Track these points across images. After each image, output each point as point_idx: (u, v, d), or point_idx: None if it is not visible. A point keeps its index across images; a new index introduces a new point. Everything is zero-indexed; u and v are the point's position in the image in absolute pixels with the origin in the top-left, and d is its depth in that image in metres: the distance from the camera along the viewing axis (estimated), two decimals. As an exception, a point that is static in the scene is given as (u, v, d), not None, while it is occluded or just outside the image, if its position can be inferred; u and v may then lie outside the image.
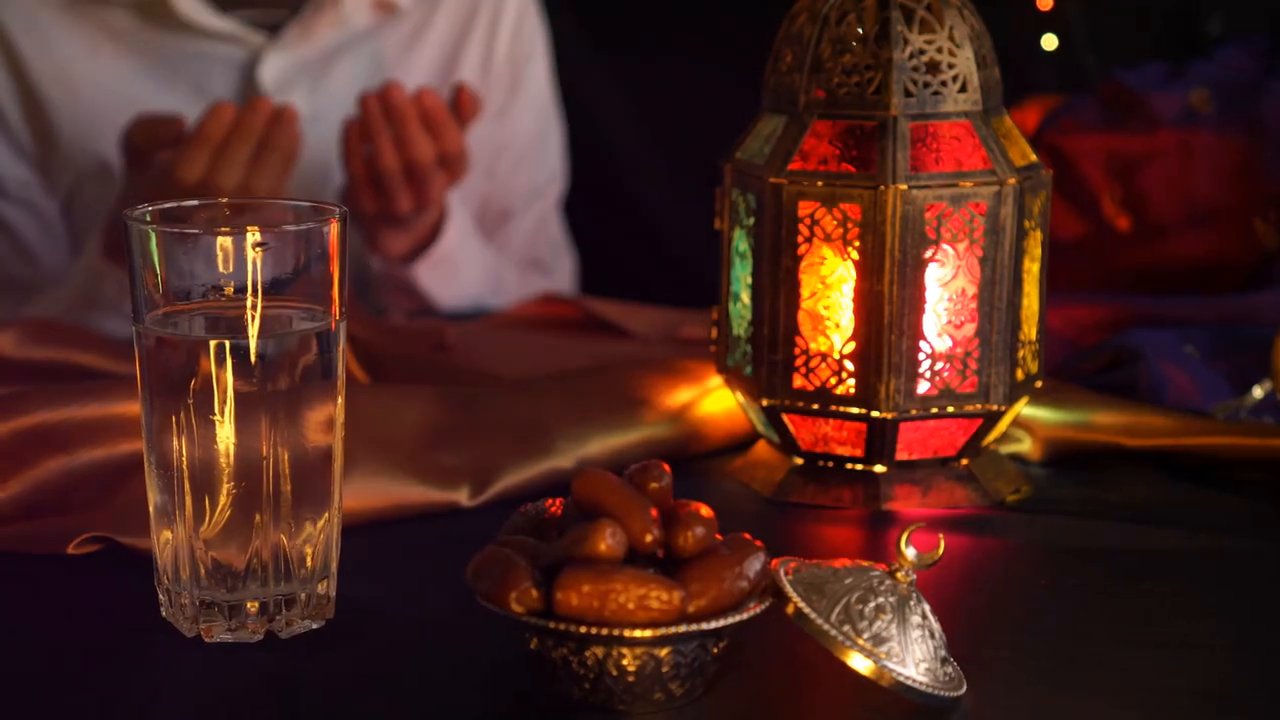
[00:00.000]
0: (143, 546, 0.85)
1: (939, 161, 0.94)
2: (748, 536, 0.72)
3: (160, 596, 0.79)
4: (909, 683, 0.69)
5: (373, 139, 1.45)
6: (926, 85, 0.94)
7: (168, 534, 0.77)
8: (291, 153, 1.39)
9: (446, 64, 1.70)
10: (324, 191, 1.59)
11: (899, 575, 0.72)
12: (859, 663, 0.69)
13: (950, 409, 0.95)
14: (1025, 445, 1.04)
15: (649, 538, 0.70)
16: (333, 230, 0.77)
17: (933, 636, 0.71)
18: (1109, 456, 1.03)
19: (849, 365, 0.95)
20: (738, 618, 0.69)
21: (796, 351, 0.96)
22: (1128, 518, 0.96)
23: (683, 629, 0.68)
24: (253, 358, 0.75)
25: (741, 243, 0.99)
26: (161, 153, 1.41)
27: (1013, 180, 0.94)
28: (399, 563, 0.88)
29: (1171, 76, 1.32)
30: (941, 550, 0.72)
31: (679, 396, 1.05)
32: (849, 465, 0.98)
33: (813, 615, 0.70)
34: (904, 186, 0.93)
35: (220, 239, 0.76)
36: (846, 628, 0.69)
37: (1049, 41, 1.69)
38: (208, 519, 0.76)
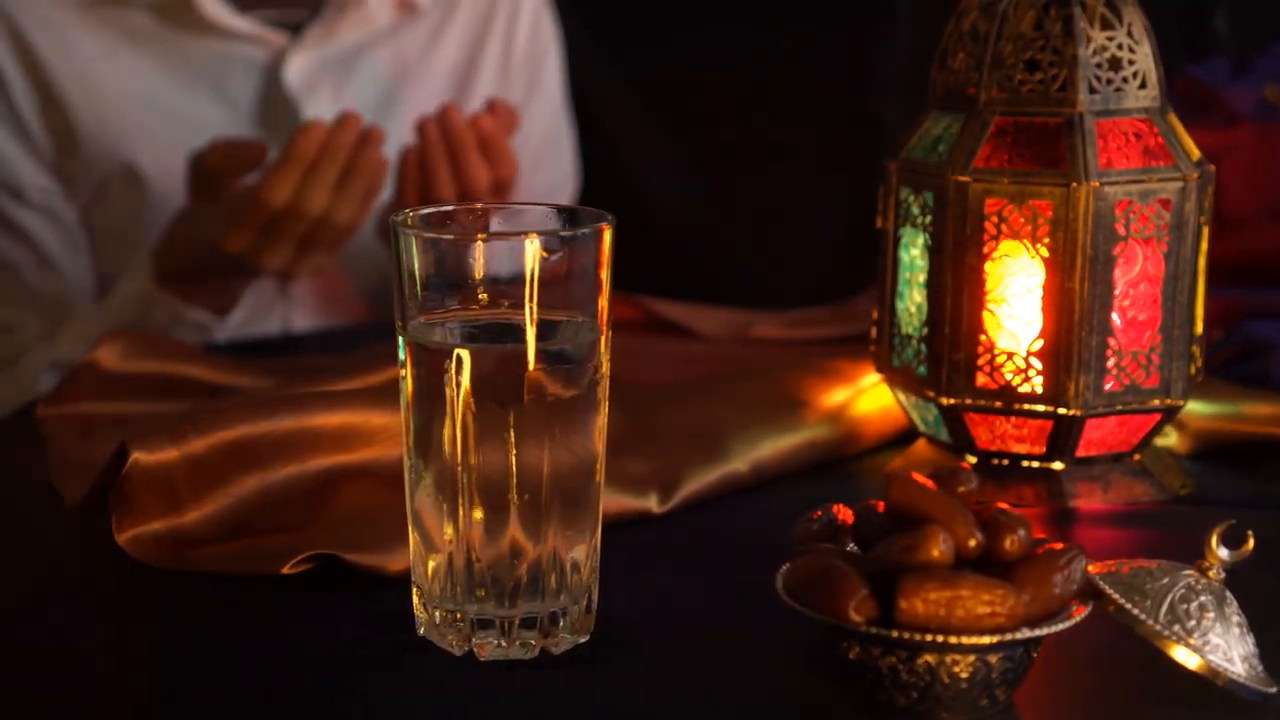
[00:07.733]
0: (367, 564, 0.82)
1: (1126, 158, 0.94)
2: (1043, 536, 0.72)
3: (419, 614, 0.77)
4: (1239, 679, 0.69)
5: (430, 170, 1.40)
6: (1109, 82, 0.94)
7: (438, 549, 0.75)
8: (376, 181, 1.34)
9: (466, 63, 1.67)
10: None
11: (1211, 574, 0.72)
12: (1190, 660, 0.69)
13: (1134, 405, 0.95)
14: (1172, 439, 1.05)
15: (973, 542, 0.69)
16: (605, 237, 0.75)
17: (1249, 633, 0.71)
18: (1260, 448, 1.04)
19: (1036, 363, 0.95)
20: (1071, 621, 0.69)
21: (979, 350, 0.95)
22: (1302, 508, 0.97)
23: (1025, 634, 0.67)
24: (531, 365, 0.73)
25: (913, 242, 0.98)
26: (237, 177, 1.36)
27: (1195, 176, 0.94)
28: (625, 573, 0.86)
29: (1237, 72, 1.34)
30: (1251, 546, 0.72)
31: (835, 397, 1.04)
32: (1025, 463, 0.98)
33: (1142, 616, 0.69)
34: (1096, 183, 0.92)
35: (494, 243, 0.73)
36: (1176, 627, 0.69)
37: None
38: (486, 532, 0.74)
